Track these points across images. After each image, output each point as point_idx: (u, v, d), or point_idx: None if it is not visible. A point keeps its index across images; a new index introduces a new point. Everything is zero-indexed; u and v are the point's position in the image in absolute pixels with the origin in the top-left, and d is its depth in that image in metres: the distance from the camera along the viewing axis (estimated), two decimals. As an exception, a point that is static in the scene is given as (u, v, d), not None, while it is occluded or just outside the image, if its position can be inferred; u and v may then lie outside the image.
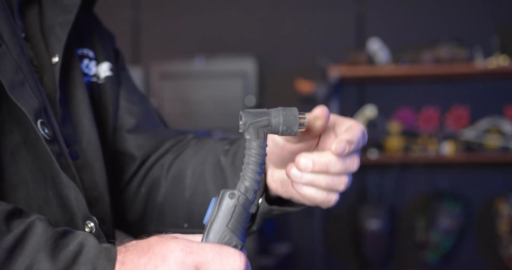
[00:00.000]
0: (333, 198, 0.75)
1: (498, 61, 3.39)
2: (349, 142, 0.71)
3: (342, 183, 0.74)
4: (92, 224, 0.84)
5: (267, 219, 0.89)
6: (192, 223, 0.97)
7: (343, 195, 0.77)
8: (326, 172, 0.72)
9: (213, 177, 0.95)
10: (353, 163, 0.73)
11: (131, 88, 1.07)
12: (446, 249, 3.51)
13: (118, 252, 0.67)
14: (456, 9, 3.71)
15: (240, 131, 0.71)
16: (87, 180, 0.90)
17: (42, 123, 0.82)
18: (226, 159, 0.95)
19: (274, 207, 0.86)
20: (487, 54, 3.46)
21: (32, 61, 0.89)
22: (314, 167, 0.72)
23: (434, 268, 3.64)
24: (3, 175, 0.80)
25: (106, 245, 0.68)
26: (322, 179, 0.73)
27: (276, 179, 0.85)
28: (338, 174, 0.73)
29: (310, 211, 3.66)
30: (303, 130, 0.72)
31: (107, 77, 1.01)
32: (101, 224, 0.87)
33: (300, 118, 0.71)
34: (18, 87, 0.80)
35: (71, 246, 0.67)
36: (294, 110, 0.71)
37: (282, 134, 0.71)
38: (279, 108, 0.71)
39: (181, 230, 0.97)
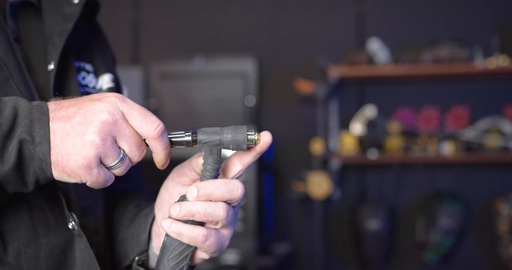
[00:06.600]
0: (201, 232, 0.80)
1: (498, 61, 3.38)
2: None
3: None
4: (73, 223, 0.83)
5: None
6: None
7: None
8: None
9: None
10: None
11: None
12: (446, 249, 3.51)
13: (49, 104, 0.73)
14: (456, 9, 3.71)
15: (198, 147, 0.79)
16: (84, 188, 0.89)
17: None
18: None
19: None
20: (487, 54, 3.46)
21: (25, 63, 0.88)
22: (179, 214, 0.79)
23: (434, 268, 3.64)
24: None
25: (36, 102, 0.73)
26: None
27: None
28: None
29: (310, 211, 3.67)
30: (252, 146, 0.78)
31: (109, 89, 1.01)
32: (94, 234, 0.88)
33: (248, 135, 0.77)
34: (1, 84, 0.80)
35: (6, 111, 0.70)
36: (244, 128, 0.77)
37: (233, 150, 0.78)
38: (231, 127, 0.78)
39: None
